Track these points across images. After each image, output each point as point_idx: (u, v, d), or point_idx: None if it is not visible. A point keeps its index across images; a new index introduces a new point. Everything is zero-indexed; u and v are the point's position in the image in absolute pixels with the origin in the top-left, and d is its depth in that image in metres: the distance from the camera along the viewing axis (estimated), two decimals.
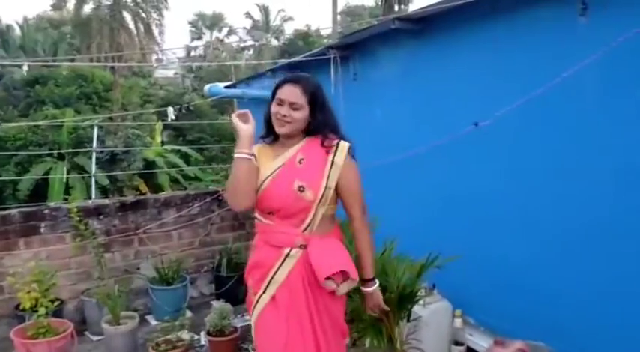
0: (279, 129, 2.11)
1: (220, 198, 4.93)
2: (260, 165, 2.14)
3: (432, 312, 3.25)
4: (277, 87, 2.13)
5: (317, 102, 2.11)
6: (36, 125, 12.52)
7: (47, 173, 12.12)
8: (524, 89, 2.73)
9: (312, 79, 2.17)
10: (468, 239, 3.34)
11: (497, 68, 3.08)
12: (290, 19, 32.00)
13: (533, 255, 2.96)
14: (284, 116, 2.07)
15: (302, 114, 2.09)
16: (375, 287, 2.26)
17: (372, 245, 2.25)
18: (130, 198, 5.00)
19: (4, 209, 4.38)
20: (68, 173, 12.15)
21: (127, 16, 20.72)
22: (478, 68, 3.22)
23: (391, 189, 4.01)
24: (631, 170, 2.42)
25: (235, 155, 2.04)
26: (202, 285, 4.95)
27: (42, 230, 4.14)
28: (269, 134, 2.21)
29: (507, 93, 2.89)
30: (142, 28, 20.65)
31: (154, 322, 4.42)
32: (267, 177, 2.10)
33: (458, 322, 3.37)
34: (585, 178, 2.63)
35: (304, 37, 26.56)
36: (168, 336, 3.66)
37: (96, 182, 11.48)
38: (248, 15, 37.56)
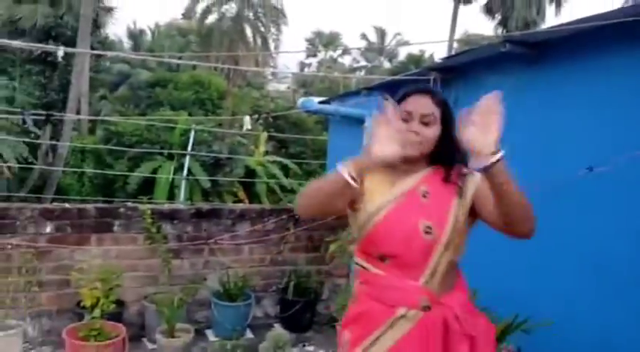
0: (406, 151, 1.57)
1: (297, 216, 4.67)
2: (369, 190, 1.66)
3: None
4: (400, 100, 1.69)
5: (450, 118, 1.68)
6: (152, 124, 13.14)
7: (155, 170, 12.69)
8: None
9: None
10: (569, 301, 2.82)
11: (629, 107, 2.56)
12: (406, 43, 31.61)
13: None
14: (416, 133, 1.63)
15: (434, 133, 1.66)
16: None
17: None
18: (205, 205, 4.91)
19: (86, 201, 4.42)
20: (175, 173, 12.57)
21: (247, 30, 21.38)
22: (601, 105, 2.72)
23: (476, 231, 3.56)
24: None
25: (340, 168, 1.51)
26: (268, 306, 4.68)
27: (115, 228, 4.11)
28: None
29: (635, 136, 2.40)
30: (259, 41, 21.22)
31: (212, 338, 4.23)
32: (385, 206, 1.65)
33: None
34: None
35: (417, 61, 26.15)
36: None
37: (199, 184, 12.11)
38: (364, 36, 37.84)
